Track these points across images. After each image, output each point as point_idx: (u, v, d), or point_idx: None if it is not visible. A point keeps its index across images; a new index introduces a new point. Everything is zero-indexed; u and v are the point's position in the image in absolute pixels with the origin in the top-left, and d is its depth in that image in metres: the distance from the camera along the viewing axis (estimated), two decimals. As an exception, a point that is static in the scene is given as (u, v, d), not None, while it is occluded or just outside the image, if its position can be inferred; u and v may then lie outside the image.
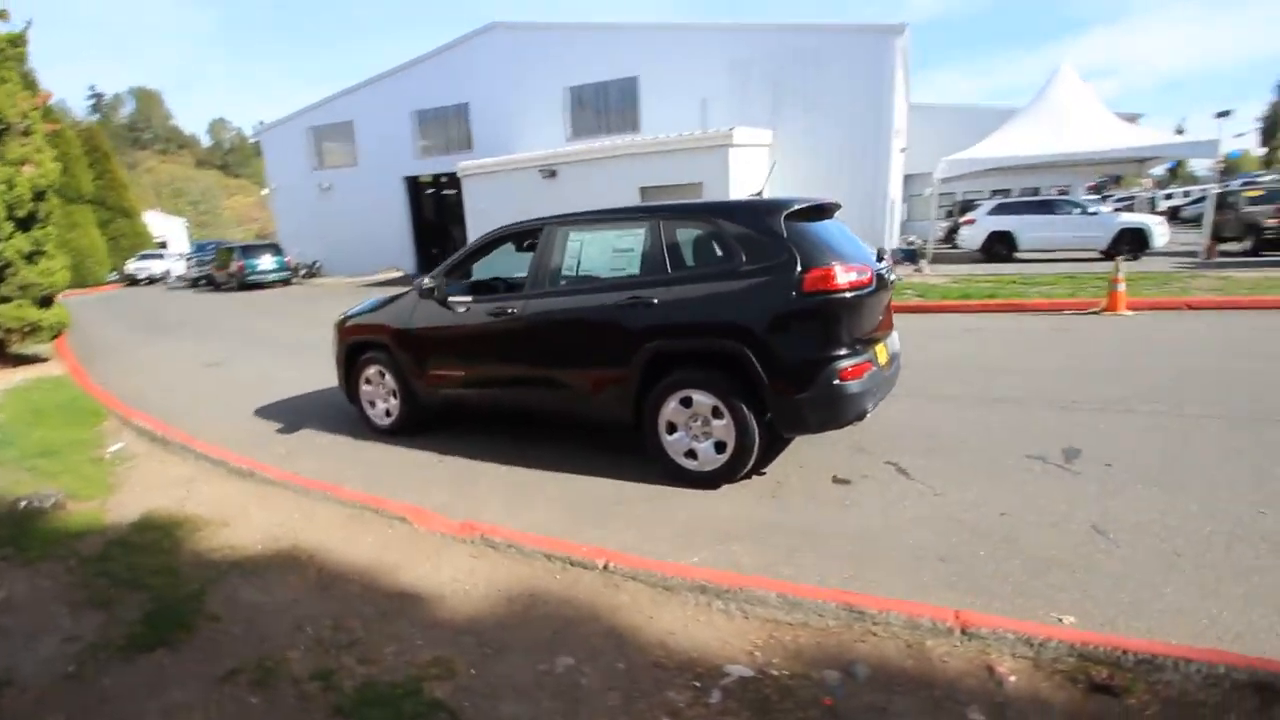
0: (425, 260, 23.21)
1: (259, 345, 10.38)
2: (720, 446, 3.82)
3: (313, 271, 23.00)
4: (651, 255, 3.97)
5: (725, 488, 3.87)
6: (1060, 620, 2.48)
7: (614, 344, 4.02)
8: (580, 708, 2.09)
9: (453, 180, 23.75)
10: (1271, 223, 14.51)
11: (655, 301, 3.86)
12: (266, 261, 21.06)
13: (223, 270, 21.39)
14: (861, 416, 3.67)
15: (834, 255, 3.62)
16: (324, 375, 7.43)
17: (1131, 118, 19.55)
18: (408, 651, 2.40)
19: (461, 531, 3.30)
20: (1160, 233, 15.11)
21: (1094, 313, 8.44)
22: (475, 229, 17.86)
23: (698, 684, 2.19)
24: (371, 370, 5.27)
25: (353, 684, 2.22)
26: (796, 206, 3.78)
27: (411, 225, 22.72)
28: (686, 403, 3.86)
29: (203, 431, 5.45)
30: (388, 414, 5.30)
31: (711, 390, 3.75)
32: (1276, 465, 3.69)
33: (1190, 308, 8.33)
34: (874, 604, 2.41)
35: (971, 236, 16.72)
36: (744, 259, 3.69)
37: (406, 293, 5.17)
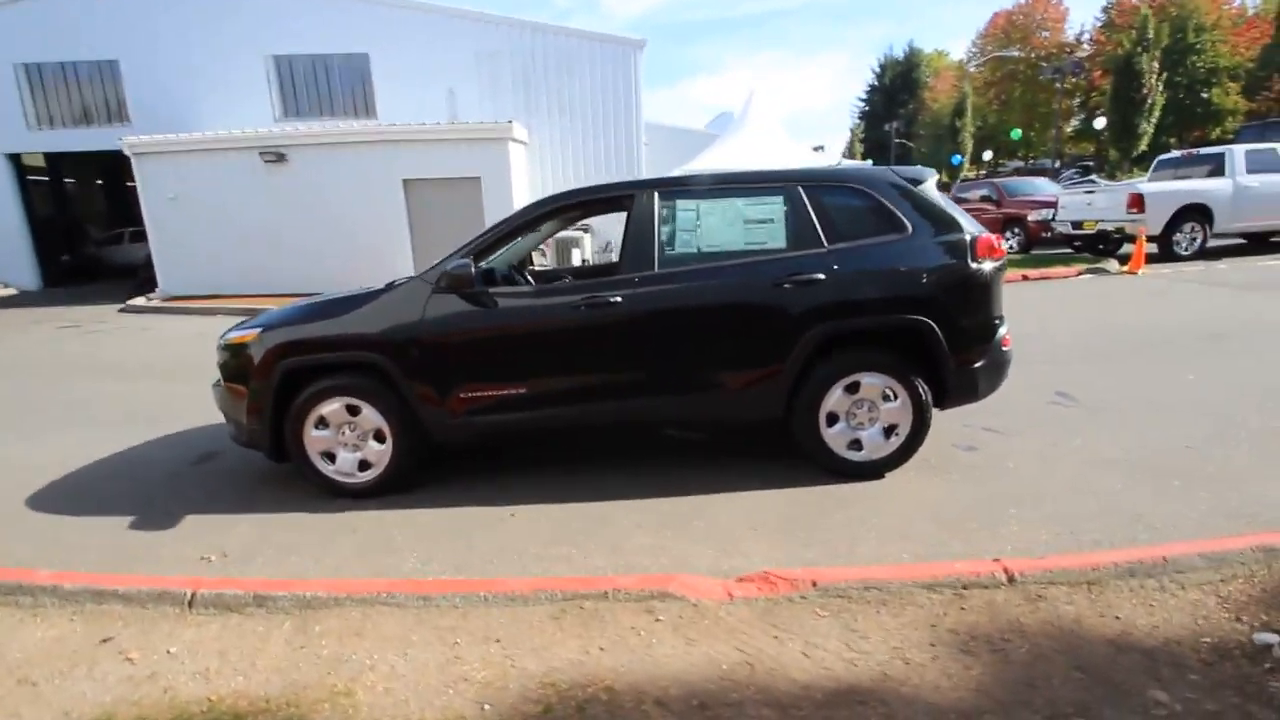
0: (51, 271, 16.70)
1: None
2: (889, 431, 3.53)
3: None
4: (801, 226, 3.46)
5: (889, 474, 3.60)
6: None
7: (769, 329, 3.40)
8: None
9: (97, 161, 17.81)
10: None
11: (821, 278, 3.37)
12: None
13: None
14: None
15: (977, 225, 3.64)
16: (80, 443, 4.79)
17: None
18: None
19: (769, 588, 2.40)
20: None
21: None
22: (162, 223, 13.48)
23: (1269, 666, 1.97)
24: (331, 407, 3.52)
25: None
26: (935, 176, 3.70)
27: (25, 222, 16.03)
28: (852, 389, 3.47)
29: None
30: (362, 466, 3.61)
31: (887, 371, 3.44)
32: (1190, 370, 4.92)
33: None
34: (1275, 539, 2.49)
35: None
36: (911, 228, 3.46)
37: (394, 286, 3.60)
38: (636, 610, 2.35)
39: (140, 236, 15.28)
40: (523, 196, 14.98)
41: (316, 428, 3.57)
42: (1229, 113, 37.65)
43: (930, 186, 3.57)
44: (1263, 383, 4.79)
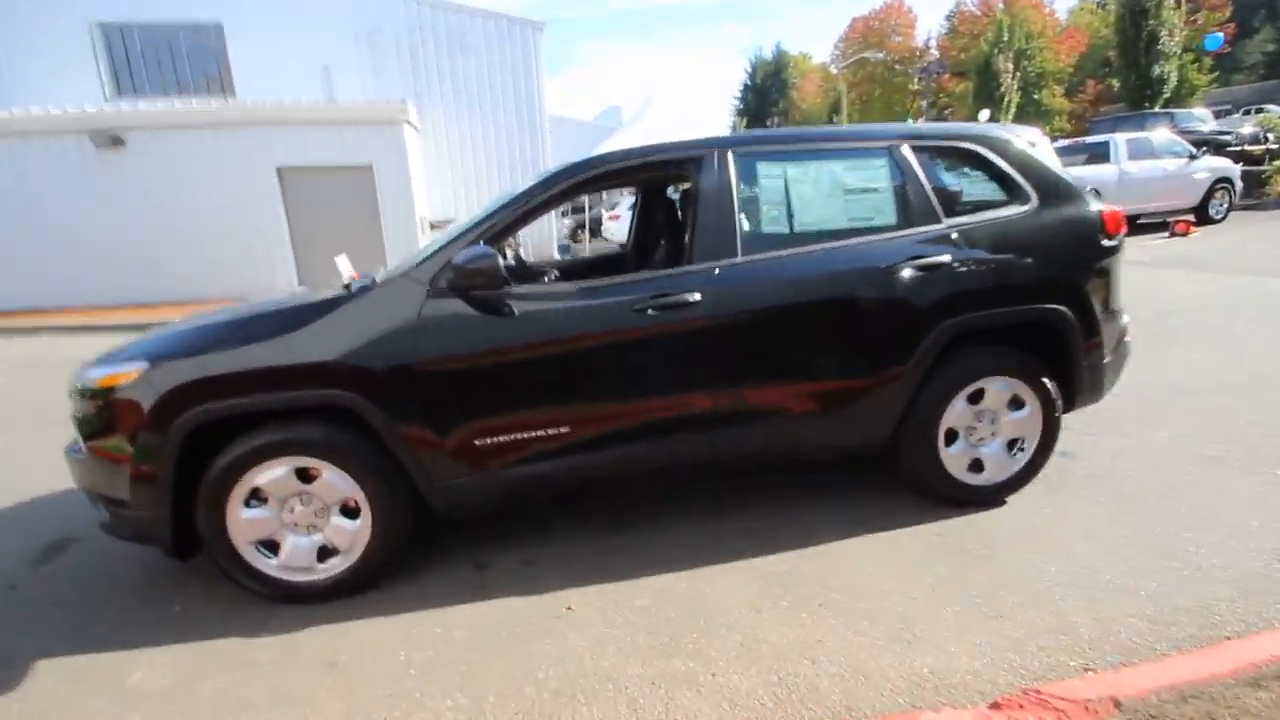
0: None
1: None
2: (1011, 445, 2.90)
3: None
4: (913, 197, 2.71)
5: (1010, 499, 2.97)
6: None
7: (886, 327, 2.65)
8: None
9: None
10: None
11: (947, 260, 2.65)
12: None
13: None
14: None
15: (1087, 195, 3.08)
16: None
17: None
18: None
19: (1056, 718, 1.61)
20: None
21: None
22: (-46, 226, 10.65)
23: None
24: (272, 473, 2.34)
25: None
26: (1046, 137, 3.09)
27: None
28: (974, 397, 2.80)
29: None
30: (323, 554, 2.46)
31: (1018, 374, 2.79)
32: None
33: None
34: None
35: (619, 228, 18.14)
36: (1035, 199, 2.82)
37: (360, 289, 2.45)
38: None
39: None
40: (421, 188, 13.43)
41: (248, 505, 2.37)
42: (1055, 112, 42.39)
43: (1046, 149, 2.96)
44: (1269, 349, 4.76)
